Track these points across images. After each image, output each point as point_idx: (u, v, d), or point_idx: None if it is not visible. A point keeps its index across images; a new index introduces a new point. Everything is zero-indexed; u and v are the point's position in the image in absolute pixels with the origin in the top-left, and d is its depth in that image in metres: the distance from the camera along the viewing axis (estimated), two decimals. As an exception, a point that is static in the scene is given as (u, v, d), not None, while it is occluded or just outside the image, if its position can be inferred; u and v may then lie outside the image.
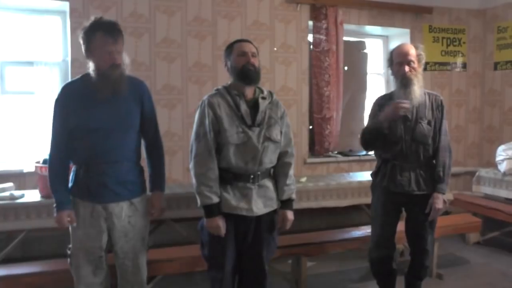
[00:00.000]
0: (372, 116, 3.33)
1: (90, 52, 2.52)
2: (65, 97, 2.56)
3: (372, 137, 3.20)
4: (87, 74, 2.58)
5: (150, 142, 2.82)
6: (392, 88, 3.27)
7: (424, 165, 3.19)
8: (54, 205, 2.57)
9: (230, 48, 2.75)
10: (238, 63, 2.66)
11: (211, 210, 2.61)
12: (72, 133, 2.55)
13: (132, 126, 2.64)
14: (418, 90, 3.11)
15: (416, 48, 3.18)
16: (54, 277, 3.10)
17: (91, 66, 2.54)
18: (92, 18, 2.57)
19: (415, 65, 3.13)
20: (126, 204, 2.63)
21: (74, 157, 2.62)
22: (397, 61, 3.15)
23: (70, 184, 2.63)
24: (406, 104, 3.00)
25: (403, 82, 3.11)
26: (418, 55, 3.16)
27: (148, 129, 2.78)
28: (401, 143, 3.14)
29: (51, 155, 2.60)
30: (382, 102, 3.30)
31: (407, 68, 3.09)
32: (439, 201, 3.14)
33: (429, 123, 3.16)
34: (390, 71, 3.27)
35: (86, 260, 2.60)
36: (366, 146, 3.33)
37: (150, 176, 2.82)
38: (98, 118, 2.52)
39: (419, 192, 3.17)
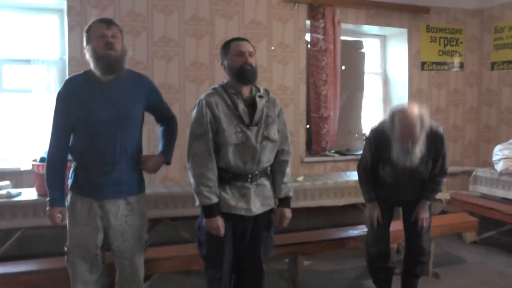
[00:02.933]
0: (369, 150, 3.31)
1: (89, 44, 2.54)
2: (67, 91, 2.56)
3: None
4: (90, 70, 2.59)
5: (165, 120, 2.90)
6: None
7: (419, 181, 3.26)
8: (48, 199, 2.57)
9: (226, 47, 2.71)
10: (235, 63, 2.64)
11: (210, 211, 2.59)
12: (73, 129, 2.56)
13: (133, 124, 2.64)
14: (419, 151, 3.06)
15: (420, 109, 3.05)
16: (51, 275, 3.10)
17: (89, 55, 2.54)
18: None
19: (419, 136, 3.03)
20: (123, 203, 2.63)
21: (74, 154, 2.62)
22: (399, 136, 3.05)
23: (69, 181, 2.64)
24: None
25: (405, 152, 3.06)
26: (422, 127, 3.03)
27: (161, 111, 2.87)
28: (398, 177, 3.21)
29: (50, 151, 2.60)
30: (379, 142, 3.25)
31: (410, 145, 3.02)
32: (424, 211, 3.23)
33: (427, 163, 3.17)
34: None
35: (82, 257, 2.60)
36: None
37: (160, 143, 2.86)
38: (99, 115, 2.52)
39: (414, 197, 3.23)
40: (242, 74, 2.64)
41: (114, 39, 2.53)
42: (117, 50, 2.53)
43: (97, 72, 2.54)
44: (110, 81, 2.57)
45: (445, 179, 3.25)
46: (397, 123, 3.04)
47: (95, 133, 2.52)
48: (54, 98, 2.62)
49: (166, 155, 2.82)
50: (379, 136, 3.23)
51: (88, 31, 2.56)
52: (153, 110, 2.82)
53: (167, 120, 2.90)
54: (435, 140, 3.16)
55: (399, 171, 3.15)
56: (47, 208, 2.57)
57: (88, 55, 2.55)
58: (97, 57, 2.51)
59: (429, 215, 3.27)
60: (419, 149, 3.06)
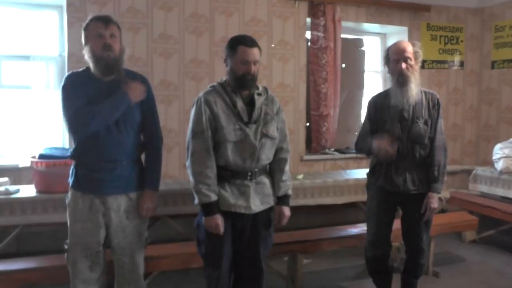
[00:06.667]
0: (368, 117, 3.32)
1: (87, 42, 2.53)
2: (71, 84, 2.55)
3: (363, 152, 3.33)
4: (89, 68, 2.58)
5: (148, 139, 2.78)
6: (389, 86, 3.24)
7: (420, 164, 3.18)
8: None
9: (234, 48, 2.62)
10: (238, 70, 2.62)
11: (210, 209, 2.58)
12: None
13: (133, 123, 2.63)
14: (414, 88, 3.09)
15: (413, 45, 3.15)
16: (49, 273, 3.09)
17: (88, 56, 2.52)
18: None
19: (412, 62, 3.09)
20: (124, 199, 2.62)
21: (74, 153, 2.61)
22: (393, 58, 3.12)
23: (70, 179, 2.63)
24: (392, 149, 3.06)
25: (400, 80, 3.09)
26: (415, 52, 3.12)
27: (147, 125, 2.75)
28: (398, 142, 3.13)
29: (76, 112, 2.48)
30: (377, 100, 3.28)
31: (404, 65, 3.06)
32: (434, 200, 3.13)
33: (425, 122, 3.14)
34: (386, 69, 3.24)
35: (83, 255, 2.59)
36: (360, 153, 3.42)
37: (144, 173, 2.76)
38: None
39: (415, 191, 3.16)
40: (242, 82, 2.64)
41: (112, 38, 2.52)
42: (115, 51, 2.51)
43: (96, 73, 2.53)
44: (110, 81, 2.55)
45: (443, 161, 3.16)
46: (390, 51, 3.16)
47: (96, 133, 2.51)
48: (55, 95, 2.60)
49: (154, 186, 2.75)
50: (380, 98, 3.27)
51: (86, 29, 2.55)
52: (143, 116, 2.70)
53: (152, 143, 2.77)
54: (432, 98, 3.19)
55: (398, 130, 3.11)
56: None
57: (86, 56, 2.53)
58: (95, 58, 2.50)
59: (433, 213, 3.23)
60: (414, 85, 3.07)
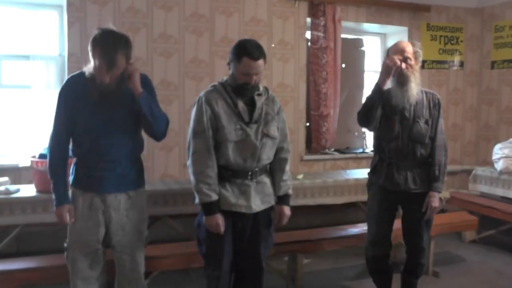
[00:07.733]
0: None
1: (91, 59, 2.47)
2: (70, 88, 2.55)
3: (369, 104, 3.12)
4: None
5: None
6: (389, 85, 3.22)
7: (421, 163, 3.18)
8: (53, 196, 2.56)
9: (239, 57, 2.57)
10: (239, 79, 2.62)
11: (210, 208, 2.59)
12: (74, 127, 2.55)
13: (133, 122, 2.62)
14: (415, 87, 3.08)
15: (413, 45, 3.15)
16: (49, 273, 3.08)
17: (88, 72, 2.49)
18: (110, 26, 2.54)
19: (412, 62, 3.08)
20: (124, 197, 2.62)
21: (75, 153, 2.62)
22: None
23: (70, 177, 2.63)
24: (396, 60, 3.00)
25: (400, 79, 3.08)
26: (415, 52, 3.12)
27: None
28: (398, 141, 3.13)
29: (52, 146, 2.57)
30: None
31: (403, 65, 3.05)
32: (435, 199, 3.13)
33: (426, 122, 3.14)
34: None
35: (83, 253, 2.59)
36: (363, 116, 3.19)
37: None
38: (99, 115, 2.51)
39: (416, 190, 3.16)
40: (241, 90, 2.64)
41: (115, 69, 2.46)
42: (112, 80, 2.47)
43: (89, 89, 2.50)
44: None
45: (444, 160, 3.15)
46: (390, 51, 3.14)
47: (97, 134, 2.52)
48: (55, 95, 2.59)
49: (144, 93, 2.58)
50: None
51: (92, 49, 2.44)
52: None
53: None
54: (432, 98, 3.20)
55: (398, 129, 3.11)
56: (54, 208, 2.56)
57: (87, 72, 2.49)
58: (94, 83, 2.47)
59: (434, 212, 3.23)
60: (414, 84, 3.06)
